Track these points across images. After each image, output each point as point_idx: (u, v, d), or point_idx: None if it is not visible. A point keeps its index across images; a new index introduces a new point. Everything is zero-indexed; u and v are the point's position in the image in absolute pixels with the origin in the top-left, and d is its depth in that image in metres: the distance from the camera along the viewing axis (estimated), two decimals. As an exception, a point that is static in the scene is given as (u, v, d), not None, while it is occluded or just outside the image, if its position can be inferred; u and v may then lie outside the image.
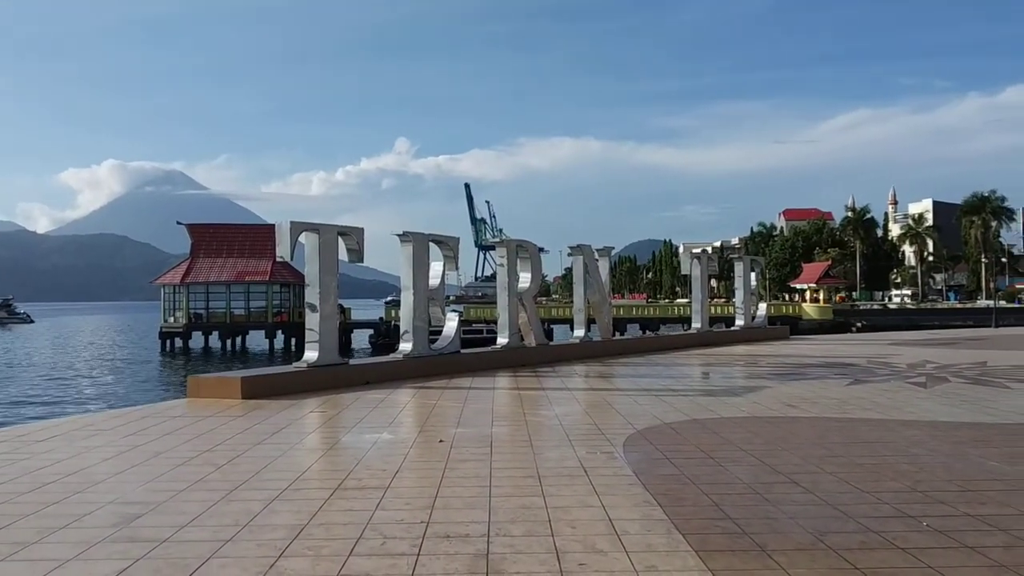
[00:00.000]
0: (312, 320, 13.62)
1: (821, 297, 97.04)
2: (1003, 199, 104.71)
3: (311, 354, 13.60)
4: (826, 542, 5.03)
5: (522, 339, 18.63)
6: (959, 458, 7.81)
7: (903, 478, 6.79)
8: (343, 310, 69.35)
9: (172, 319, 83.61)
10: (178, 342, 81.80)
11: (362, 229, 14.66)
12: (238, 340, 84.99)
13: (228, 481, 6.79)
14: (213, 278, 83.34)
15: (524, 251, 18.75)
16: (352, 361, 16.23)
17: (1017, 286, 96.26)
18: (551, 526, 5.41)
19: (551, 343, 21.74)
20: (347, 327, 74.90)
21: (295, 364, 13.91)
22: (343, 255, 14.35)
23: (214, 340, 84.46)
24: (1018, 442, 8.74)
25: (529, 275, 18.67)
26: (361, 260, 14.70)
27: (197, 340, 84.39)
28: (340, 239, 14.12)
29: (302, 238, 13.47)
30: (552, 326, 59.69)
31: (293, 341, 78.21)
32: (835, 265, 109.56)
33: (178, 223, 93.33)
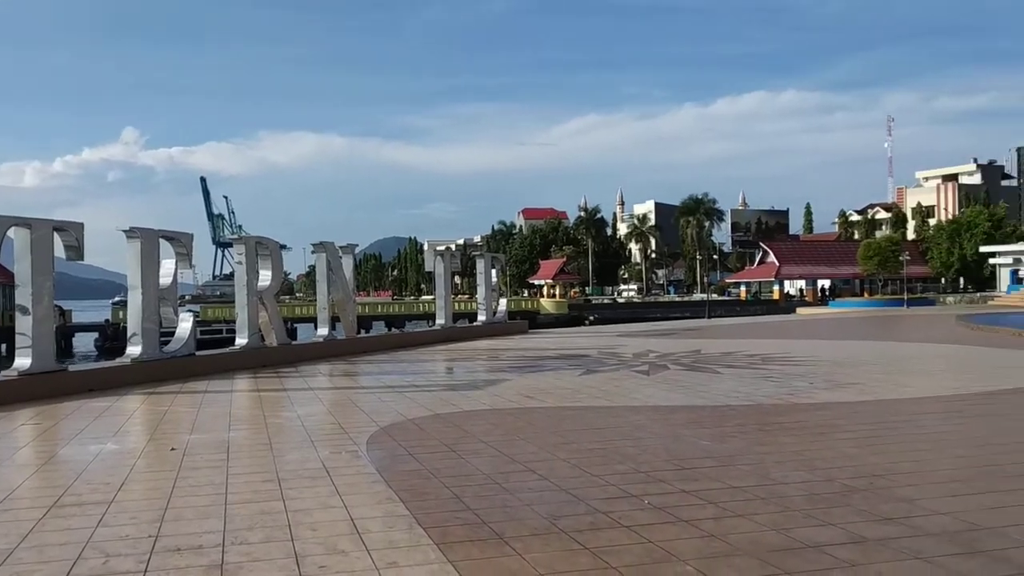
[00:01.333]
0: (23, 324, 12.40)
1: (557, 292, 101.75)
2: (714, 201, 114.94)
3: (23, 361, 12.40)
4: (559, 525, 5.29)
5: (263, 339, 18.03)
6: (676, 439, 8.50)
7: (628, 460, 7.27)
8: (62, 312, 63.64)
9: None
10: None
11: (82, 224, 13.54)
12: (-65, 348, 75.53)
13: (-82, 507, 6.03)
14: (-98, 278, 73.40)
15: (264, 248, 18.16)
16: (72, 367, 14.98)
17: (727, 280, 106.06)
18: (291, 530, 5.28)
19: (294, 343, 21.23)
20: (67, 330, 68.81)
21: (4, 372, 12.63)
22: (60, 252, 13.21)
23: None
24: (726, 422, 9.64)
25: (270, 273, 18.10)
26: (81, 258, 13.57)
27: None
28: (56, 235, 12.97)
29: (11, 233, 12.22)
30: (295, 325, 58.26)
31: (3, 347, 70.77)
32: (570, 262, 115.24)
33: None
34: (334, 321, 21.15)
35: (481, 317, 28.33)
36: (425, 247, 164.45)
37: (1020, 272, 69.30)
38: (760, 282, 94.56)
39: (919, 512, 5.52)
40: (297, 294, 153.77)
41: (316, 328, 21.37)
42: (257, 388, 13.88)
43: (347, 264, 21.26)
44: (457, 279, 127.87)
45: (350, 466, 7.29)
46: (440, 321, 26.20)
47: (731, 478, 6.55)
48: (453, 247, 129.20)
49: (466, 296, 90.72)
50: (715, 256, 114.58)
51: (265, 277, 17.97)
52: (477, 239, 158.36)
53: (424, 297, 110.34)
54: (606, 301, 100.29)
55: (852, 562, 4.55)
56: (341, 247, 20.99)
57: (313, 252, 20.58)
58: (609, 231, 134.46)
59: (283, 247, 19.55)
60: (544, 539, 5.03)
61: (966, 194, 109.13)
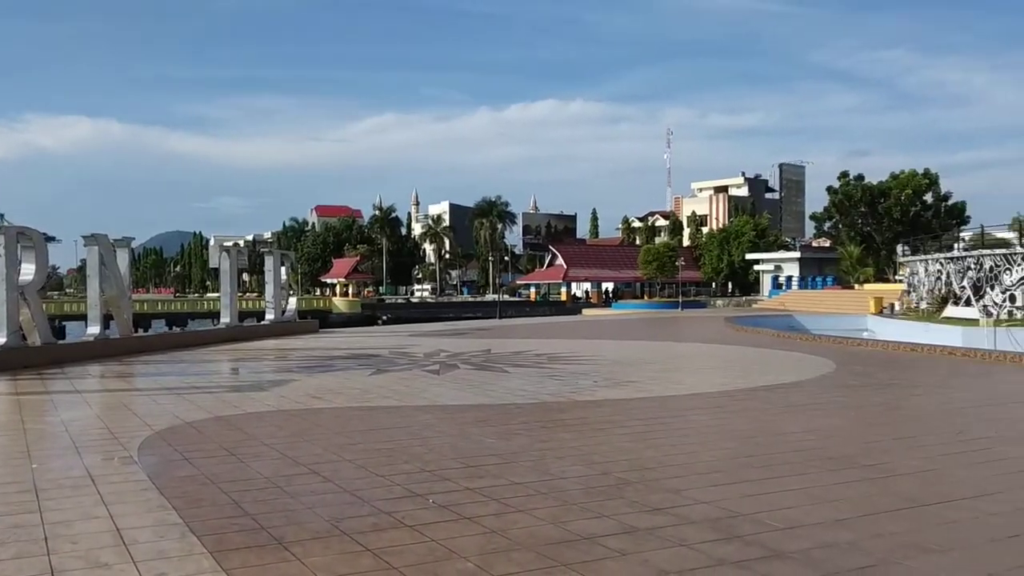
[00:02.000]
0: None
1: (351, 291, 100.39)
2: (507, 204, 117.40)
3: None
4: (342, 527, 5.22)
5: (24, 338, 16.62)
6: (463, 437, 8.61)
7: (415, 460, 7.29)
8: None
9: None
10: None
11: None
12: None
13: None
14: None
15: (27, 239, 16.74)
16: None
17: (518, 282, 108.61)
18: (47, 544, 4.89)
19: (60, 342, 19.74)
20: None
21: None
22: None
23: None
24: (512, 420, 9.87)
25: (33, 266, 16.73)
26: None
27: None
28: None
29: None
30: (64, 323, 54.18)
31: None
32: (364, 261, 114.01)
33: None
34: (107, 319, 19.83)
35: (269, 316, 27.51)
36: (211, 242, 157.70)
37: (780, 278, 75.59)
38: (549, 284, 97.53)
39: (684, 502, 5.88)
40: (68, 290, 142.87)
41: (87, 326, 19.94)
42: (16, 391, 12.77)
43: (122, 258, 20.01)
44: (246, 276, 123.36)
45: (119, 473, 6.85)
46: (225, 320, 25.19)
47: (513, 474, 6.71)
48: (241, 243, 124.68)
49: (255, 294, 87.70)
50: (507, 258, 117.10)
51: (28, 271, 16.60)
52: (267, 235, 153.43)
53: (209, 295, 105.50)
54: (400, 301, 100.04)
55: (623, 551, 4.78)
56: (115, 240, 19.73)
57: (85, 245, 19.21)
58: (404, 231, 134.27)
59: (50, 239, 18.16)
60: (325, 542, 4.94)
61: (735, 205, 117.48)
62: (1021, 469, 6.97)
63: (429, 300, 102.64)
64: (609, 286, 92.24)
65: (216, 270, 29.85)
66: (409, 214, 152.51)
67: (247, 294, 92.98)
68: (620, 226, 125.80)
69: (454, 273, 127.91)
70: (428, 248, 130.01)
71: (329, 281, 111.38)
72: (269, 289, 28.08)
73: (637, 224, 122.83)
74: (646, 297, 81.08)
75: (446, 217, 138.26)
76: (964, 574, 4.51)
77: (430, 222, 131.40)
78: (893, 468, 7.03)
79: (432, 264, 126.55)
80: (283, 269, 28.44)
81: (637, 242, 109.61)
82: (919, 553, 4.80)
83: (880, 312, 41.53)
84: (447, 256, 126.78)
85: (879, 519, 5.50)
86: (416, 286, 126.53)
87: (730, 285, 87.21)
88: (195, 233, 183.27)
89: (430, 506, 5.76)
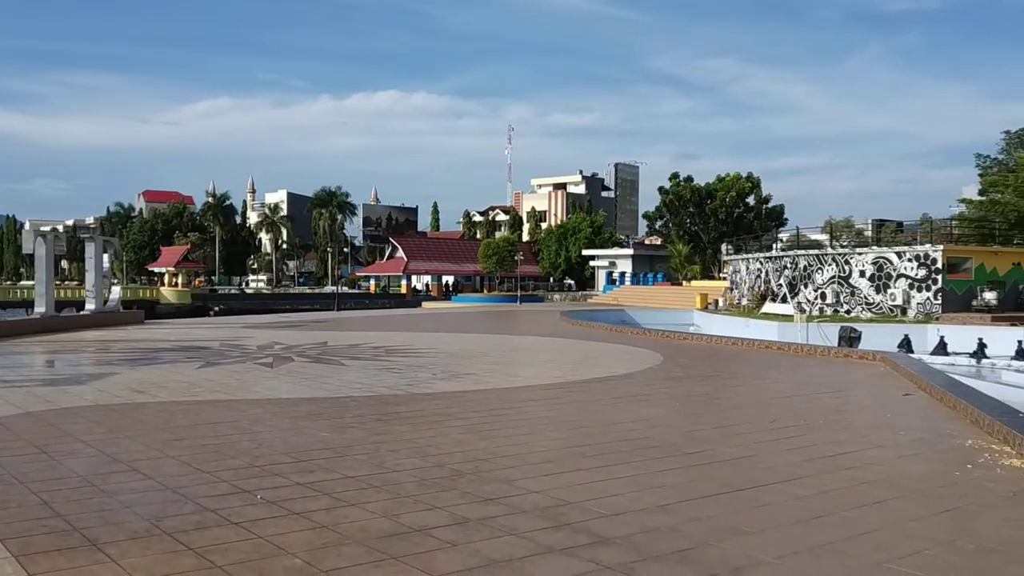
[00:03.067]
0: None
1: (180, 281, 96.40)
2: (347, 195, 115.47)
3: None
4: (162, 527, 5.00)
5: None
6: (295, 432, 8.43)
7: (244, 455, 7.08)
8: None
9: None
10: None
11: None
12: None
13: None
14: None
15: None
16: None
17: (358, 274, 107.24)
18: None
19: None
20: None
21: None
22: None
23: None
24: (345, 413, 9.74)
25: None
26: None
27: None
28: None
29: None
30: None
31: None
32: (195, 249, 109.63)
33: None
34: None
35: (90, 306, 26.01)
36: (26, 226, 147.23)
37: (614, 274, 78.16)
38: (389, 276, 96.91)
39: (516, 492, 5.98)
40: None
41: None
42: None
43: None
44: (65, 264, 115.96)
45: (-89, 475, 6.30)
46: (40, 309, 23.62)
47: (346, 468, 6.63)
48: (60, 228, 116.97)
49: (75, 283, 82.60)
50: (347, 249, 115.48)
51: None
52: (90, 220, 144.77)
53: (23, 283, 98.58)
54: (233, 291, 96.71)
55: (454, 542, 4.81)
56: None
57: None
58: (239, 219, 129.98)
59: None
60: (144, 542, 4.72)
61: (572, 202, 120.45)
62: (825, 455, 7.49)
63: (265, 291, 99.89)
64: (449, 279, 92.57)
65: (31, 256, 27.91)
66: (245, 202, 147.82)
67: (66, 283, 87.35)
68: (461, 220, 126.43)
69: (292, 264, 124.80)
70: (264, 238, 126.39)
71: (157, 270, 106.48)
72: (90, 277, 26.54)
73: (478, 218, 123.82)
74: (486, 291, 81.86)
75: (284, 206, 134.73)
76: (772, 553, 4.81)
77: (267, 211, 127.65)
78: (713, 455, 7.40)
79: (268, 254, 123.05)
80: (106, 256, 26.98)
81: (478, 236, 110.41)
82: (733, 535, 5.08)
83: (705, 308, 43.64)
84: (284, 246, 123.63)
85: (698, 504, 5.78)
86: (251, 276, 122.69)
87: (567, 280, 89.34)
88: (8, 216, 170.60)
89: (258, 502, 5.61)
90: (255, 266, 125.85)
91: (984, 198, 48.46)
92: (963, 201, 52.76)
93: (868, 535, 5.17)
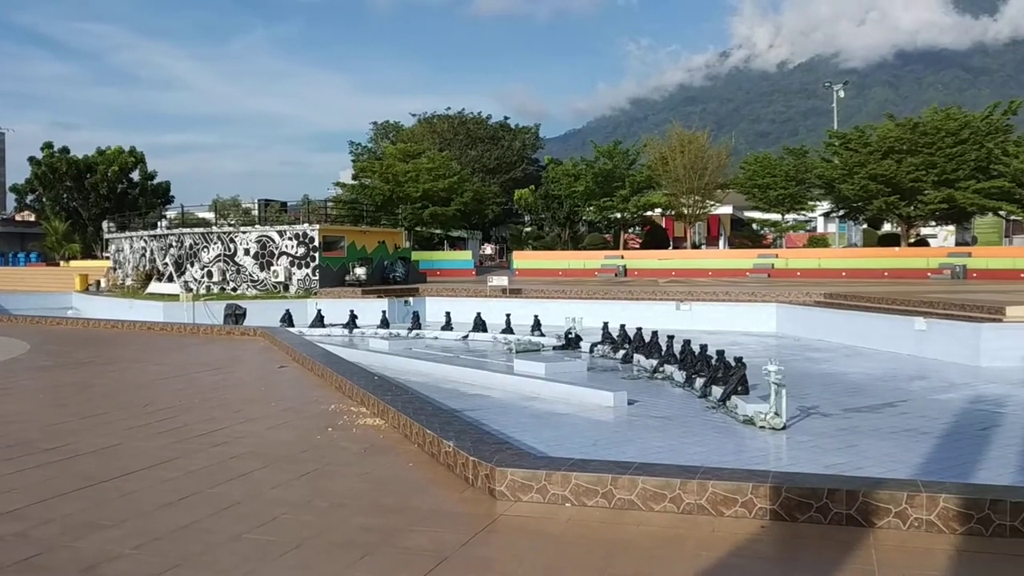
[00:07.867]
0: None
1: None
2: None
3: None
4: None
5: None
6: None
7: None
8: None
9: None
10: None
11: None
12: None
13: None
14: None
15: None
16: None
17: None
18: None
19: None
20: None
21: None
22: None
23: None
24: None
25: None
26: None
27: None
28: None
29: None
30: None
31: None
32: None
33: None
34: None
35: None
36: None
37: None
38: None
39: None
40: None
41: None
42: None
43: None
44: None
45: None
46: None
47: None
48: None
49: None
50: None
51: None
52: None
53: None
54: None
55: None
56: None
57: None
58: None
59: None
60: None
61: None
62: (195, 435, 7.52)
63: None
64: None
65: None
66: None
67: None
68: None
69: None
70: None
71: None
72: None
73: None
74: None
75: None
76: (131, 543, 4.67)
77: None
78: (76, 448, 6.94)
79: None
80: None
81: None
82: (91, 531, 4.84)
83: (86, 289, 40.66)
84: None
85: (54, 503, 5.38)
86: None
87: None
88: None
89: None
90: None
91: (356, 182, 53.33)
92: (338, 184, 57.46)
93: (231, 508, 5.33)
